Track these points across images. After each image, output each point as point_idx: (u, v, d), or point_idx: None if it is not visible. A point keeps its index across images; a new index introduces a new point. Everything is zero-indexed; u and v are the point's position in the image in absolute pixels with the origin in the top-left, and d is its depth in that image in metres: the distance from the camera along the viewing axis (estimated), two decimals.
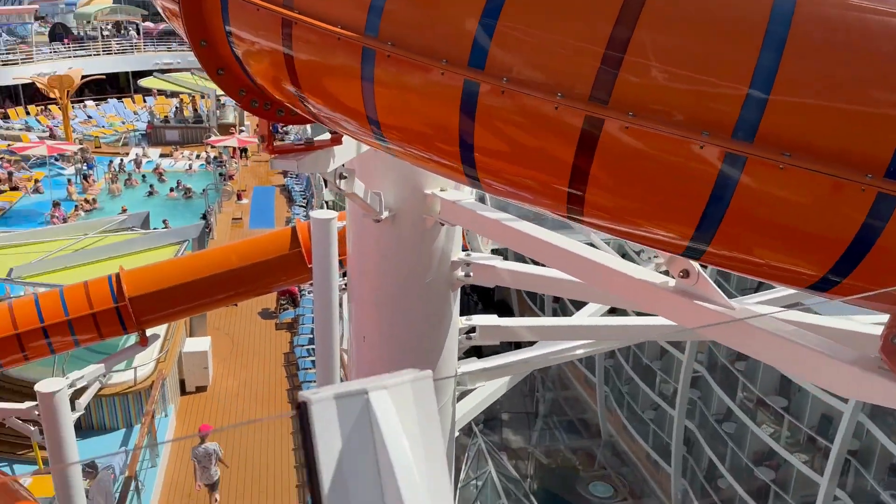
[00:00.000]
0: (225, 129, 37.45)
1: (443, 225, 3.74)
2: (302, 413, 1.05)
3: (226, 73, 2.49)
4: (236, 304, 18.74)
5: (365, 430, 1.08)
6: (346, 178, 3.02)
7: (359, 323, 4.10)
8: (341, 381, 13.41)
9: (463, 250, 4.07)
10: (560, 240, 2.71)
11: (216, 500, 11.51)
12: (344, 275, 9.06)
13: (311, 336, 16.97)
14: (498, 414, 24.68)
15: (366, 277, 4.02)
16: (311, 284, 20.05)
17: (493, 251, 4.24)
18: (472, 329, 4.34)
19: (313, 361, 15.85)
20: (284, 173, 34.00)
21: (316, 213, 8.19)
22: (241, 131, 38.26)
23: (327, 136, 2.87)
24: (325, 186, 31.84)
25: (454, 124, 1.78)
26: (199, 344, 15.03)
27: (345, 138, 2.90)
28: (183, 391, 14.69)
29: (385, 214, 3.60)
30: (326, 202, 28.54)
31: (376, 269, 3.89)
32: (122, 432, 13.09)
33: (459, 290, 4.17)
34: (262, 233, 26.24)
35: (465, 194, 3.59)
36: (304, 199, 29.96)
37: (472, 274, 3.90)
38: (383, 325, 3.97)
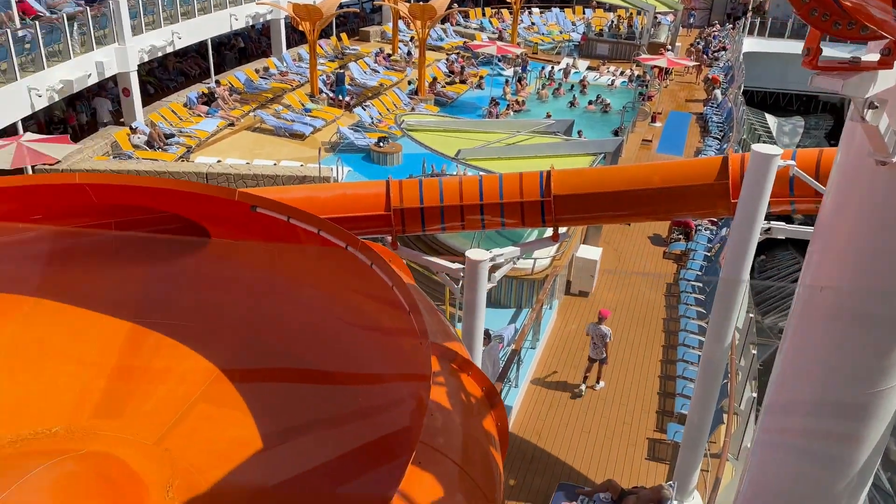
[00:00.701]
0: (654, 49, 36.91)
1: None
2: None
3: None
4: (629, 224, 19.02)
5: None
6: (876, 108, 2.66)
7: (819, 271, 3.73)
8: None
9: None
10: None
11: (599, 379, 12.81)
12: (768, 218, 8.42)
13: (699, 273, 16.41)
14: None
15: (844, 224, 3.60)
16: (710, 221, 19.09)
17: None
18: None
19: (696, 298, 15.39)
20: (705, 101, 32.38)
21: (759, 147, 7.65)
22: (668, 50, 37.27)
23: (874, 56, 2.54)
24: (733, 118, 29.32)
25: None
26: (590, 252, 15.74)
27: None
28: (567, 291, 15.71)
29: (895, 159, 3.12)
30: (743, 139, 26.49)
31: (862, 217, 3.44)
32: (512, 311, 14.69)
33: None
34: (669, 158, 25.78)
35: None
36: (720, 131, 28.27)
37: None
38: (852, 281, 3.55)
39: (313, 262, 6.27)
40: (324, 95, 28.44)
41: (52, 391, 5.37)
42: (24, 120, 19.74)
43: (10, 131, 18.69)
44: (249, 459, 5.15)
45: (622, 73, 34.94)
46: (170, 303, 6.33)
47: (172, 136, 22.92)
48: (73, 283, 6.10)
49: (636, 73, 34.31)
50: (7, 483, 4.41)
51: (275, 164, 21.27)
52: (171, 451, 5.09)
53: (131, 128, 22.71)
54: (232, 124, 25.08)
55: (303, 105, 27.18)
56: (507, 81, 32.48)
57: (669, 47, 38.26)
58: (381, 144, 23.51)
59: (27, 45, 19.55)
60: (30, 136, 17.59)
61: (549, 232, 11.97)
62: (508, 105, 29.33)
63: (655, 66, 32.97)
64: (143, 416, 5.38)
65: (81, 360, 5.67)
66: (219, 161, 21.33)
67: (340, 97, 28.00)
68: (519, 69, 34.18)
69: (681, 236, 18.73)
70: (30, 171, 17.00)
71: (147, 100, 25.51)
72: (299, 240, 6.20)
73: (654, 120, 29.21)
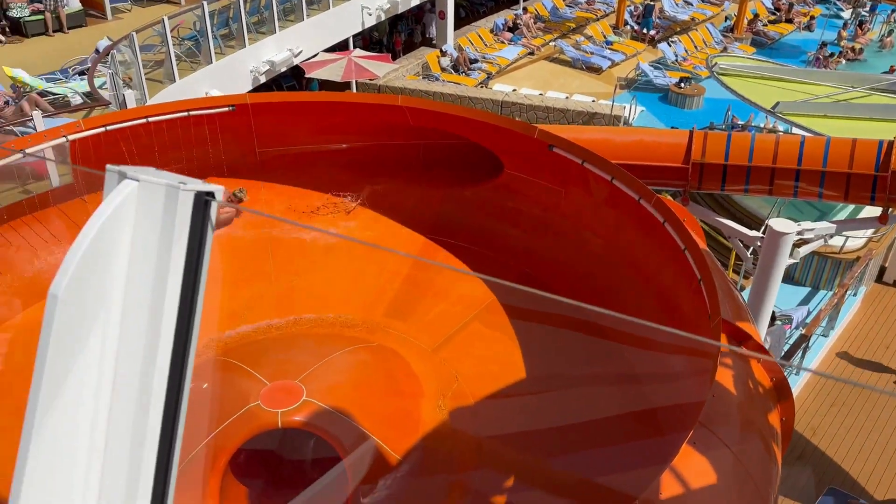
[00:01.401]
0: None
1: None
2: None
3: None
4: None
5: None
6: None
7: None
8: None
9: None
10: None
11: None
12: None
13: None
14: None
15: None
16: None
17: None
18: None
19: None
20: None
21: None
22: None
23: None
24: None
25: None
26: None
27: None
28: (879, 279, 13.56)
29: None
30: None
31: None
32: (806, 291, 13.12)
33: None
34: None
35: None
36: None
37: None
38: None
39: (601, 208, 6.13)
40: (628, 28, 27.24)
41: (355, 286, 6.09)
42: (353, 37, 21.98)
43: (341, 46, 20.98)
44: (516, 387, 5.35)
45: None
46: (460, 225, 6.70)
47: (476, 61, 23.85)
48: (383, 195, 6.75)
49: None
50: (315, 358, 5.14)
51: (566, 98, 21.13)
52: (446, 361, 5.50)
53: (441, 51, 24.11)
54: (532, 53, 25.30)
55: (605, 37, 26.35)
56: (844, 24, 27.97)
57: None
58: (682, 85, 21.99)
59: None
60: (359, 52, 19.60)
61: (868, 209, 10.33)
62: (841, 52, 25.33)
63: None
64: (425, 324, 5.87)
65: (381, 265, 6.32)
66: (514, 90, 21.79)
67: (645, 30, 26.58)
68: (865, 10, 29.14)
69: None
70: (354, 87, 19.04)
71: (458, 23, 26.72)
72: (589, 183, 6.10)
73: None
